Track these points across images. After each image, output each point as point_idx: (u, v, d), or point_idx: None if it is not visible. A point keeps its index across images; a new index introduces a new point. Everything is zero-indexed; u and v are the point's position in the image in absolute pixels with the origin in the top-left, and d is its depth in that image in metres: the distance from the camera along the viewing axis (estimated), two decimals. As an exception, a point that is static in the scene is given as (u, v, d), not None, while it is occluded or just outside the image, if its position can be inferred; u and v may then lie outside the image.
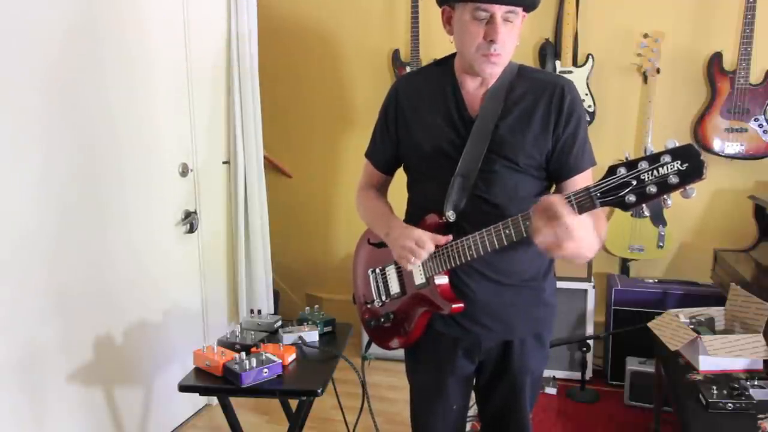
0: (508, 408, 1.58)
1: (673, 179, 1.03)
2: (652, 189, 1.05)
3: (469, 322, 1.48)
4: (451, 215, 1.41)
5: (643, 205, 1.08)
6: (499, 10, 1.29)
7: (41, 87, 1.90)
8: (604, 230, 1.34)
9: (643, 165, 1.05)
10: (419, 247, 1.38)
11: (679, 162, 1.02)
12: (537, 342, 1.54)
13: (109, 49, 2.15)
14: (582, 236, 1.14)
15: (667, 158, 1.03)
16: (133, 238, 2.30)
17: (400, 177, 1.63)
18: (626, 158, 1.09)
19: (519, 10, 1.31)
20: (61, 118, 1.98)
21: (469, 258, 1.35)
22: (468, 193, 1.40)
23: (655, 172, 1.04)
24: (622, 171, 1.08)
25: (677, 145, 1.04)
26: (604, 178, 1.10)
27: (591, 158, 1.44)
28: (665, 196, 1.06)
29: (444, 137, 1.43)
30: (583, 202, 1.14)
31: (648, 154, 1.06)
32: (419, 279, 1.48)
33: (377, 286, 1.60)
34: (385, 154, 1.60)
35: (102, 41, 2.12)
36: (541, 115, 1.38)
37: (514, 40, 1.35)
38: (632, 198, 1.07)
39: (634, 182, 1.07)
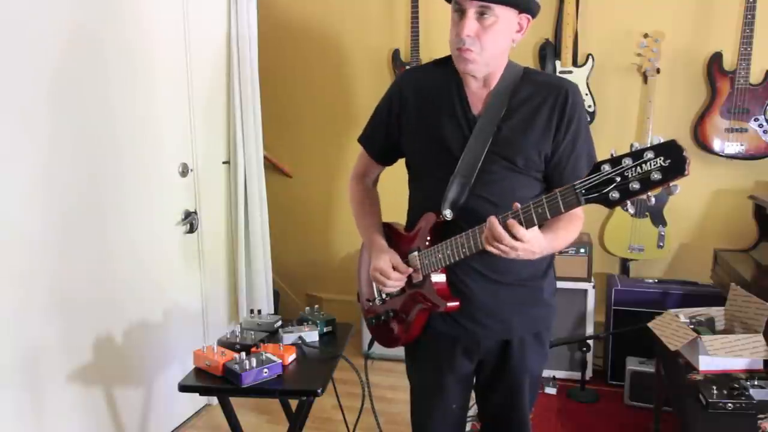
0: (507, 407, 1.59)
1: (656, 175, 1.02)
2: (635, 185, 1.05)
3: (468, 320, 1.48)
4: (448, 214, 1.41)
5: (628, 201, 1.08)
6: (472, 6, 1.31)
7: (43, 88, 1.90)
8: (561, 240, 1.40)
9: (627, 161, 1.05)
10: (383, 276, 1.48)
11: (662, 158, 1.01)
12: (536, 341, 1.54)
13: (110, 50, 2.15)
14: (527, 249, 1.23)
15: (650, 154, 1.03)
16: (134, 238, 2.30)
17: (401, 175, 1.63)
18: (611, 155, 1.09)
19: (495, 7, 1.30)
20: (63, 119, 1.98)
21: (462, 256, 1.36)
22: (467, 192, 1.41)
23: (638, 168, 1.04)
24: (607, 168, 1.08)
25: (661, 141, 1.03)
26: (589, 174, 1.11)
27: (591, 163, 1.43)
28: (649, 193, 1.05)
29: (448, 134, 1.44)
30: (569, 199, 1.14)
31: (633, 150, 1.06)
32: (417, 277, 1.48)
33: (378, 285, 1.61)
34: (383, 143, 1.61)
35: (103, 42, 2.12)
36: (545, 118, 1.39)
37: (494, 40, 1.34)
38: (616, 194, 1.07)
39: (618, 179, 1.06)
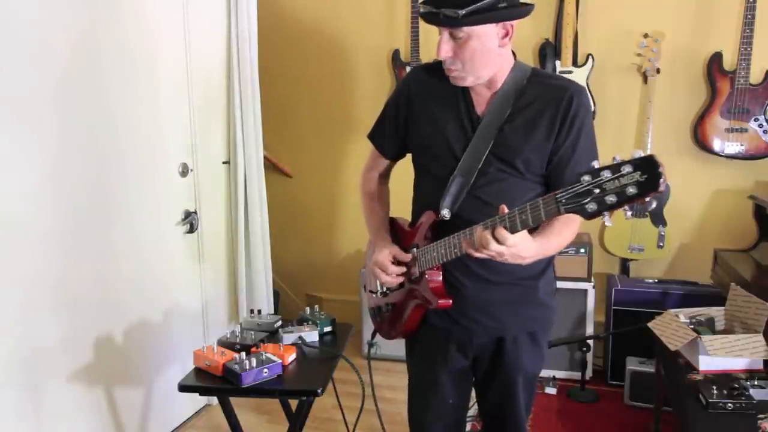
0: (502, 406, 1.60)
1: (631, 190, 1.01)
2: (612, 198, 1.03)
3: (461, 317, 1.50)
4: (445, 213, 1.42)
5: (605, 213, 1.06)
6: (443, 29, 1.32)
7: (47, 90, 1.91)
8: (554, 245, 1.39)
9: (606, 174, 1.04)
10: (381, 270, 1.51)
11: (639, 173, 1.00)
12: (531, 341, 1.54)
13: (111, 50, 2.15)
14: (515, 254, 1.22)
15: (627, 168, 1.01)
16: (134, 238, 2.30)
17: (406, 172, 1.63)
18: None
19: (465, 28, 1.30)
20: (68, 120, 1.98)
21: (454, 256, 1.37)
22: (465, 192, 1.42)
23: (616, 181, 1.02)
24: (587, 179, 1.06)
25: (641, 155, 1.02)
26: (571, 185, 1.09)
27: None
28: (625, 207, 1.04)
29: (451, 134, 1.45)
30: (550, 208, 1.13)
31: (614, 162, 1.04)
32: (414, 273, 1.50)
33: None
34: (391, 141, 1.62)
35: (104, 43, 2.12)
36: (547, 121, 1.39)
37: (472, 56, 1.34)
38: (593, 206, 1.06)
39: (597, 191, 1.05)
